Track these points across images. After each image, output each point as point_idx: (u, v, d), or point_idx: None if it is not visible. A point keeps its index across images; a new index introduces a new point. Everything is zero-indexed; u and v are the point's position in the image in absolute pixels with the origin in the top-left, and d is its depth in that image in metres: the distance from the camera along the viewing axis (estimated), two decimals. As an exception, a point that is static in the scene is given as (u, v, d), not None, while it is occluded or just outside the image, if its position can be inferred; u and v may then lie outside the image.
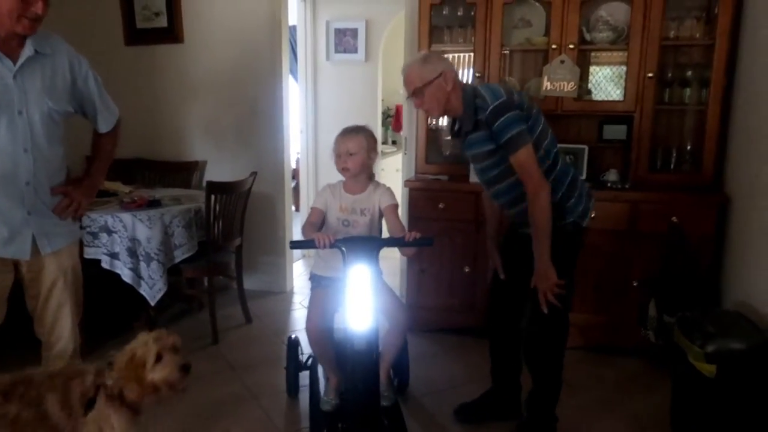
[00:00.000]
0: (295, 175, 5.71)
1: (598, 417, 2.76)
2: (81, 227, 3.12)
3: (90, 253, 3.17)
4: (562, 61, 3.31)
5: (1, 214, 1.95)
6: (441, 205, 3.48)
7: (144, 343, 1.82)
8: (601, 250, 3.25)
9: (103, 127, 2.25)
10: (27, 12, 1.85)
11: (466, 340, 3.45)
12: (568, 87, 3.33)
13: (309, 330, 2.48)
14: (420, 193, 3.53)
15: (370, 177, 2.54)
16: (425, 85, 2.23)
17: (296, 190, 5.80)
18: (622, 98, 3.42)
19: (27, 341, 2.21)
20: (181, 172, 4.26)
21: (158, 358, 1.80)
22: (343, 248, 2.05)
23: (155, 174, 4.29)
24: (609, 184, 3.35)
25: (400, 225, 2.44)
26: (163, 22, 4.28)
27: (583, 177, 3.39)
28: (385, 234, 2.56)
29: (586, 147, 3.43)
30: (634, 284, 3.25)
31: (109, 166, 2.34)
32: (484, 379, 2.74)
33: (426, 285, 3.59)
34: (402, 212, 3.91)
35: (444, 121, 3.74)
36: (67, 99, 2.08)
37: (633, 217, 3.22)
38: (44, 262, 2.08)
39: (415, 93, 2.26)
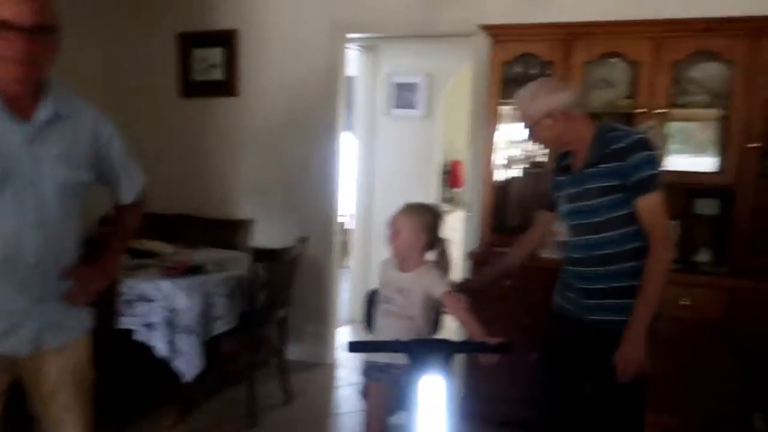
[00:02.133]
0: (345, 229, 5.46)
1: None
2: (119, 296, 2.95)
3: (124, 323, 2.95)
4: (651, 127, 2.95)
5: None
6: (506, 282, 3.11)
7: None
8: (695, 344, 2.84)
9: (127, 197, 1.95)
10: (7, 52, 1.49)
11: (532, 437, 3.03)
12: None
13: None
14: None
15: (424, 258, 2.27)
16: (534, 124, 2.08)
17: (345, 246, 5.54)
18: (713, 168, 3.05)
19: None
20: (228, 231, 4.04)
21: None
22: (408, 352, 1.73)
23: (200, 232, 4.06)
24: (702, 267, 2.93)
25: (473, 323, 2.08)
26: (219, 74, 4.15)
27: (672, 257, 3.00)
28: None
29: (676, 223, 3.03)
30: (733, 388, 2.78)
31: (130, 241, 2.08)
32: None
33: (486, 372, 3.19)
34: (462, 286, 3.59)
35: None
36: (86, 167, 1.75)
37: (732, 307, 2.79)
38: (46, 359, 1.75)
39: (527, 128, 2.13)
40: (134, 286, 2.96)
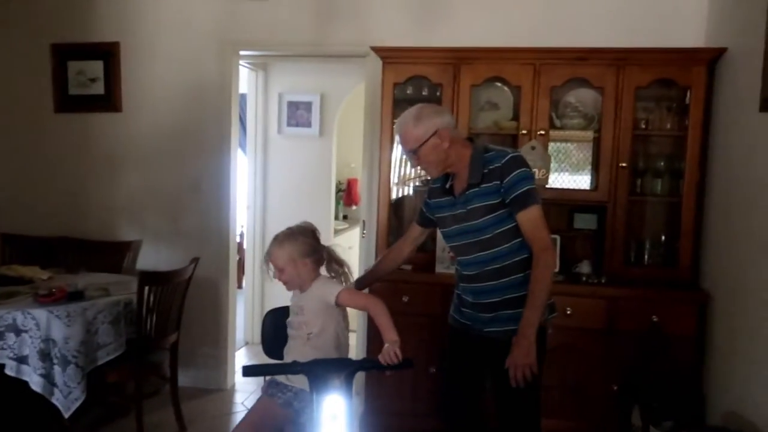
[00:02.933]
0: (239, 249, 5.31)
1: None
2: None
3: (-8, 357, 2.69)
4: (533, 147, 3.15)
5: None
6: (405, 299, 3.17)
7: None
8: (578, 351, 3.04)
9: None
10: None
11: (432, 450, 3.08)
12: (539, 174, 3.15)
13: None
14: (382, 284, 3.19)
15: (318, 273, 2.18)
16: (420, 146, 2.08)
17: (240, 265, 5.40)
18: (589, 186, 3.31)
19: None
20: (113, 254, 3.81)
21: None
22: (306, 373, 1.71)
23: (81, 255, 3.79)
24: (584, 278, 3.15)
25: (379, 313, 2.04)
26: (99, 88, 3.92)
27: (557, 269, 3.20)
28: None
29: (558, 237, 3.23)
30: (614, 388, 3.00)
31: None
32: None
33: (386, 386, 3.23)
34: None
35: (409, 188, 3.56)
36: None
37: (611, 314, 3.01)
38: None
39: (411, 153, 2.12)
40: (3, 315, 2.69)
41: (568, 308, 3.00)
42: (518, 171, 2.04)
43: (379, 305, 2.05)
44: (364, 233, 3.79)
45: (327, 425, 1.67)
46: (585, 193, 3.29)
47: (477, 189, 2.09)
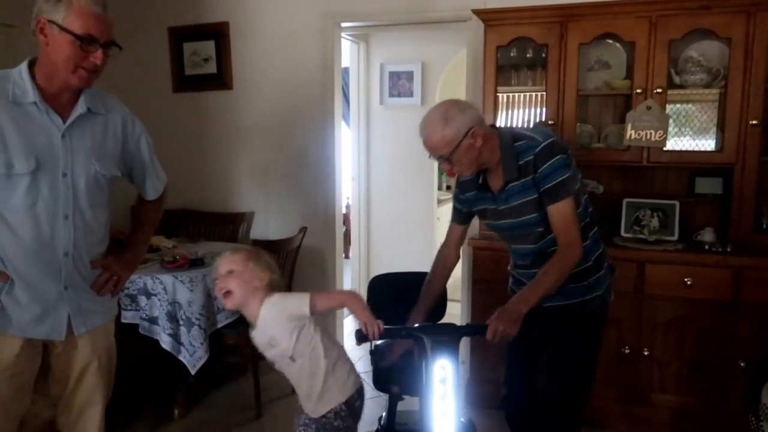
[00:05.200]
0: (345, 220, 5.45)
1: None
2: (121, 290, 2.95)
3: (127, 317, 2.96)
4: (649, 107, 2.94)
5: (32, 288, 1.73)
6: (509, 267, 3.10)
7: None
8: (700, 324, 2.85)
9: (152, 194, 2.08)
10: (85, 62, 1.67)
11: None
12: (656, 136, 2.95)
13: None
14: (485, 253, 3.17)
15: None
16: (453, 150, 1.88)
17: (347, 236, 5.54)
18: (713, 147, 3.05)
19: None
20: (228, 224, 4.04)
21: None
22: (417, 339, 1.76)
23: (201, 226, 4.08)
24: (706, 246, 2.93)
25: (355, 302, 1.84)
26: (212, 68, 4.12)
27: (675, 237, 3.01)
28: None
29: (677, 203, 3.03)
30: (741, 365, 2.79)
31: (152, 235, 2.19)
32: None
33: (491, 357, 3.21)
34: (465, 273, 3.58)
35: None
36: (116, 162, 1.90)
37: (737, 285, 2.79)
38: (77, 342, 1.86)
39: (442, 158, 1.92)
40: (135, 280, 2.95)
41: (688, 279, 2.82)
42: (552, 161, 1.89)
43: (355, 300, 1.83)
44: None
45: (437, 389, 1.73)
46: (708, 155, 3.04)
47: (518, 183, 1.96)
